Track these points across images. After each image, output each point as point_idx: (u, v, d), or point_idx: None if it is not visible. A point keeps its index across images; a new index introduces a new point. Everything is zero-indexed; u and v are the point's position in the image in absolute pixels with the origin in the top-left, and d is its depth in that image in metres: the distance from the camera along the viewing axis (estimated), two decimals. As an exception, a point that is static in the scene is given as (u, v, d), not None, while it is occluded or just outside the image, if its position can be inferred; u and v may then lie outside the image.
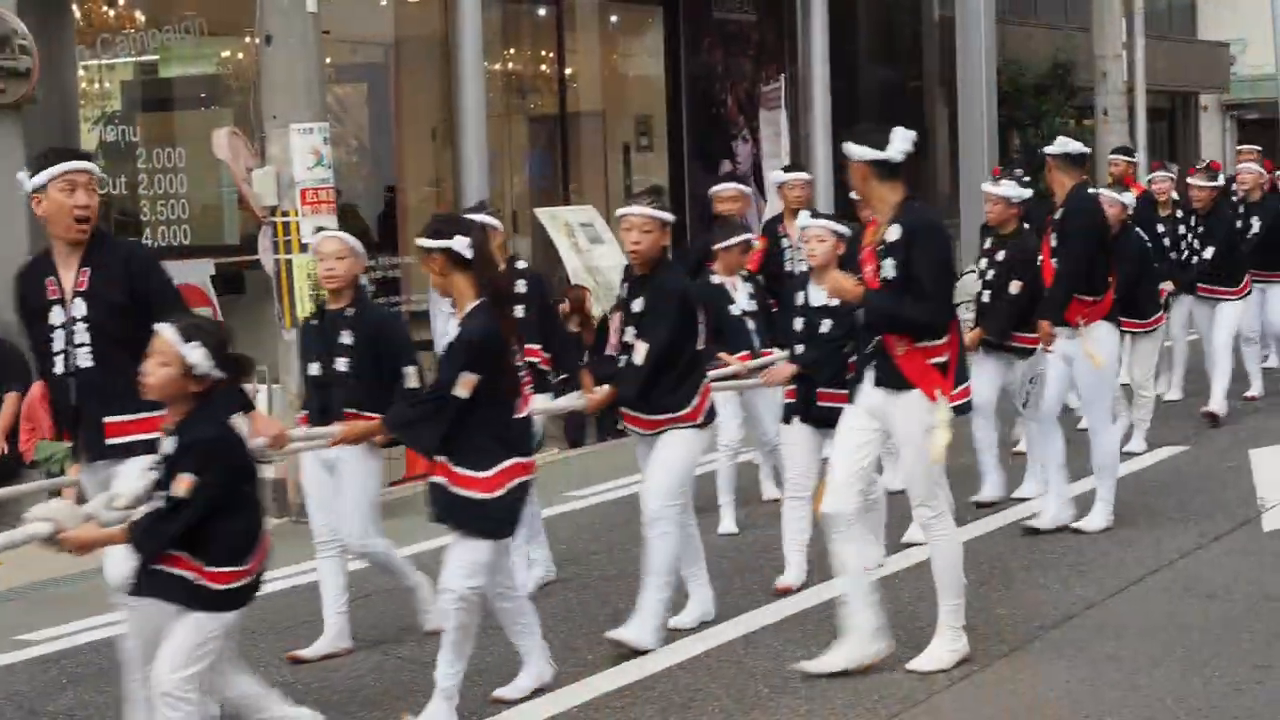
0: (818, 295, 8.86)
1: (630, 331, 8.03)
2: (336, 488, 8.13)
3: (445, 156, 18.08)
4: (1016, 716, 6.95)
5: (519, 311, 8.73)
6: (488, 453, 6.81)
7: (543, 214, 18.49)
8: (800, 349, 8.97)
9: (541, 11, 21.06)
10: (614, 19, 22.60)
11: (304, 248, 11.77)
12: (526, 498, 7.14)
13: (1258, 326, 14.90)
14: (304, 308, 11.56)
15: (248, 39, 15.27)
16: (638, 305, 8.01)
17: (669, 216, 8.03)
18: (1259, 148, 17.19)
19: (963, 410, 9.18)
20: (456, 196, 16.54)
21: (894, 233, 7.25)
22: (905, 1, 25.71)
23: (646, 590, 7.91)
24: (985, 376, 10.71)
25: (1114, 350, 10.16)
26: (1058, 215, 10.09)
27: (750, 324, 10.23)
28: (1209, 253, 13.85)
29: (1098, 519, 10.08)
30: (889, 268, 7.25)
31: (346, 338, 8.05)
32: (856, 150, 7.35)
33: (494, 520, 6.88)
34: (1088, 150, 10.38)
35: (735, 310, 10.20)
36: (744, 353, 10.06)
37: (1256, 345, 15.08)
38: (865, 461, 7.54)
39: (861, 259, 7.47)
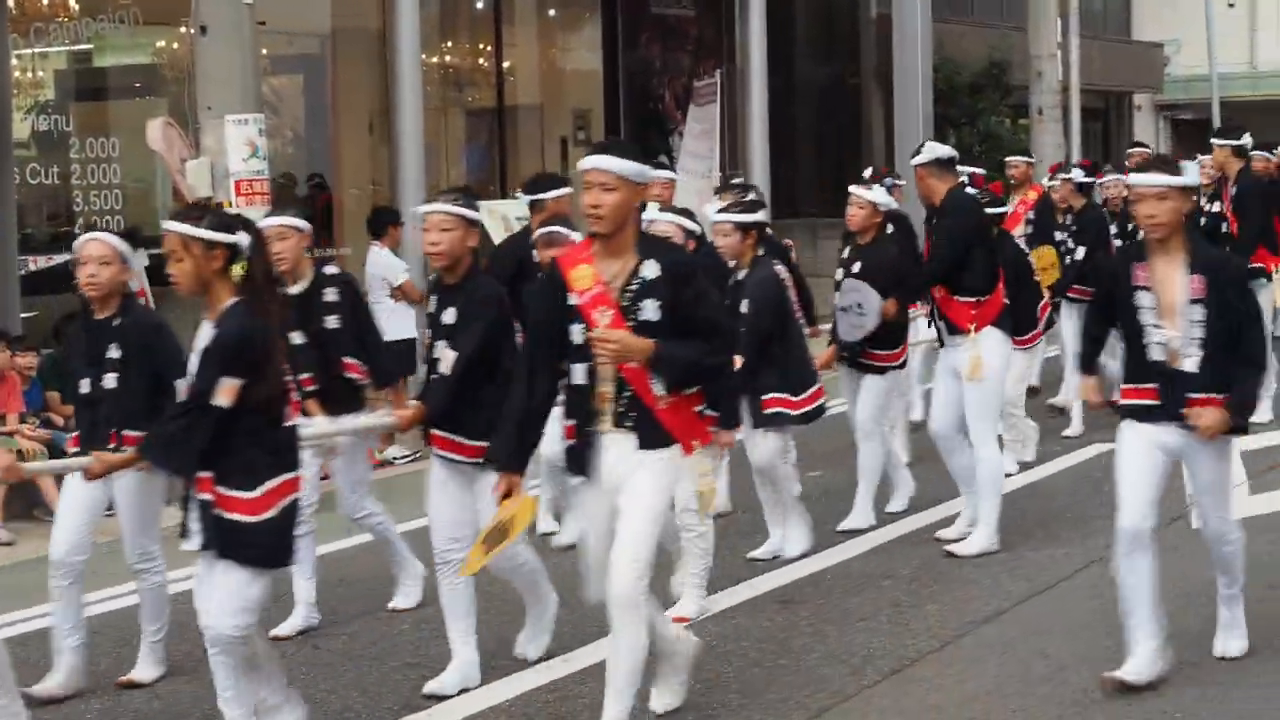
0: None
1: (441, 345, 7.30)
2: (116, 506, 7.62)
3: (381, 149, 18.03)
4: (946, 712, 6.98)
5: (332, 322, 8.27)
6: (255, 470, 6.02)
7: (480, 207, 18.44)
8: None
9: (479, 4, 21.02)
10: (552, 13, 22.58)
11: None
12: (297, 519, 6.29)
13: None
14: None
15: (183, 29, 15.20)
16: (449, 317, 7.31)
17: (474, 214, 7.39)
18: (1148, 147, 17.05)
19: (815, 415, 9.34)
20: (392, 189, 16.50)
21: (651, 269, 6.29)
22: (842, -2, 25.80)
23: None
24: (849, 395, 10.44)
25: (1002, 361, 9.74)
26: (934, 220, 9.88)
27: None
28: (1081, 253, 13.36)
29: (978, 542, 9.58)
30: (650, 309, 6.25)
31: (114, 351, 7.44)
32: (619, 165, 6.24)
33: (264, 547, 6.06)
34: (956, 154, 10.25)
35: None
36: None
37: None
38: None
39: (586, 304, 6.30)
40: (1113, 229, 13.84)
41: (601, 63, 22.08)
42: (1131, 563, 7.18)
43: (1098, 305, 7.50)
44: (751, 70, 21.12)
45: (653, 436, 6.31)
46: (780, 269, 9.40)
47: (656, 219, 8.55)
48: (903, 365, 10.62)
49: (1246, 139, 13.76)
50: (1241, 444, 12.21)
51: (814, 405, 9.26)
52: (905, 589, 8.81)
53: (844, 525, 10.18)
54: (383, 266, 13.48)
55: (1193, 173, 7.03)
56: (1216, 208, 13.72)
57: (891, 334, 10.18)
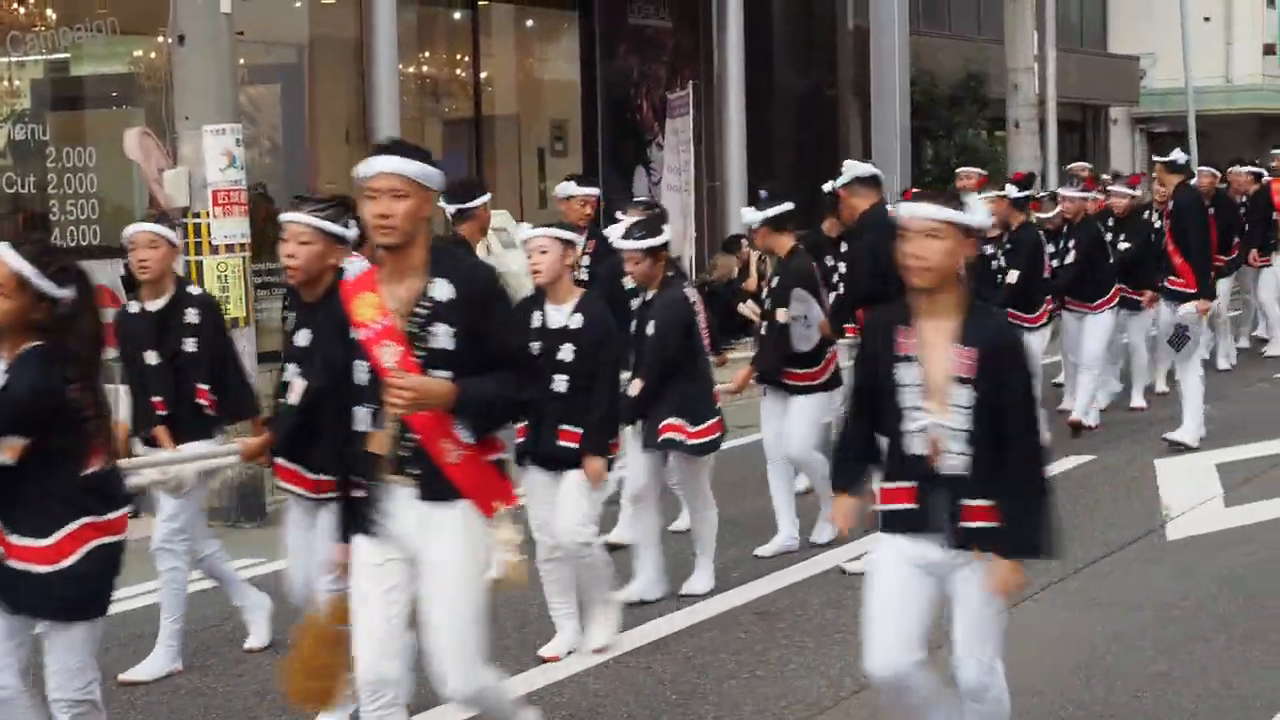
0: (557, 316, 7.82)
1: (292, 369, 6.82)
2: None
3: (359, 159, 17.91)
4: (922, 723, 6.98)
5: (190, 345, 7.87)
6: (48, 516, 5.47)
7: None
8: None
9: (457, 15, 21.02)
10: (530, 23, 22.59)
11: (214, 249, 11.74)
12: (117, 564, 5.67)
13: (1093, 355, 13.95)
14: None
15: (160, 39, 15.17)
16: (302, 339, 6.82)
17: (337, 230, 6.76)
18: (1089, 166, 16.85)
19: (710, 448, 8.85)
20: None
21: (443, 289, 5.38)
22: (820, 10, 25.83)
23: None
24: (767, 419, 10.07)
25: None
26: (853, 240, 9.71)
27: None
28: (1013, 277, 12.68)
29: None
30: (443, 336, 5.35)
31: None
32: (409, 167, 5.50)
33: (66, 597, 5.49)
34: (879, 173, 9.97)
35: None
36: None
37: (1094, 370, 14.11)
38: (397, 613, 5.49)
39: (369, 339, 5.41)
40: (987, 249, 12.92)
41: (579, 73, 22.09)
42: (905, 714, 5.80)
43: (858, 383, 5.78)
44: (729, 81, 21.15)
45: (439, 488, 5.39)
46: (690, 292, 8.96)
47: (533, 235, 7.87)
48: (829, 385, 9.89)
49: (1177, 154, 13.60)
50: (1216, 457, 12.39)
51: (710, 438, 8.79)
52: (881, 601, 8.80)
53: (766, 550, 9.90)
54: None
55: (978, 211, 5.47)
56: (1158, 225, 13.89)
57: (812, 351, 9.76)
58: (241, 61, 13.95)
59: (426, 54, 20.79)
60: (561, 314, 7.79)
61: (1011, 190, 13.00)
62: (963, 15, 29.75)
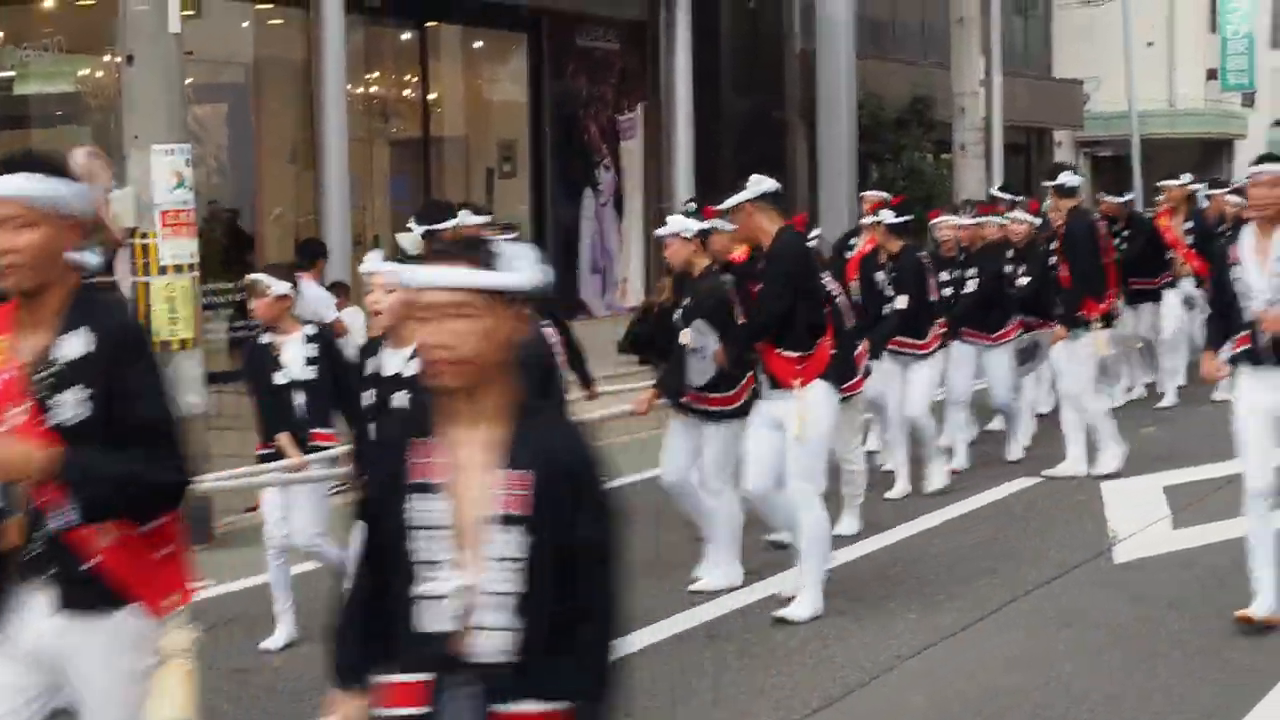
0: (393, 362, 7.24)
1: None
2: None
3: (305, 179, 17.96)
4: (875, 746, 6.99)
5: None
6: None
7: (404, 239, 18.38)
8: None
9: (405, 36, 20.99)
10: (478, 44, 22.58)
11: (163, 270, 11.66)
12: None
13: (964, 390, 13.40)
14: (162, 331, 11.46)
15: (107, 58, 15.10)
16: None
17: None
18: (1011, 198, 14.97)
19: None
20: (317, 219, 16.45)
21: (75, 344, 4.21)
22: (767, 33, 25.89)
23: None
24: (676, 447, 9.70)
25: (831, 417, 9.03)
26: (761, 265, 9.16)
27: (301, 398, 8.44)
28: (901, 302, 12.07)
29: (804, 607, 8.85)
30: (69, 404, 4.16)
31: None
32: (35, 189, 4.26)
33: None
34: (780, 186, 9.42)
35: (281, 379, 8.45)
36: (284, 433, 8.46)
37: (963, 411, 13.57)
38: None
39: None
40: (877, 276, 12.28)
41: (527, 94, 22.08)
42: None
43: (363, 528, 3.77)
44: (677, 103, 21.20)
45: (83, 594, 4.21)
46: (549, 330, 8.31)
47: (377, 270, 7.40)
48: (742, 413, 9.43)
49: (1065, 177, 13.10)
50: (1163, 479, 12.45)
51: None
52: (833, 623, 8.81)
53: (700, 586, 9.60)
54: (312, 299, 13.23)
55: (523, 265, 3.52)
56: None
57: (726, 377, 9.41)
58: (188, 81, 13.90)
59: (374, 74, 20.75)
60: (399, 359, 7.08)
61: (888, 215, 12.24)
62: (909, 39, 29.90)
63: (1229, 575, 9.55)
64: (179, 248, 11.81)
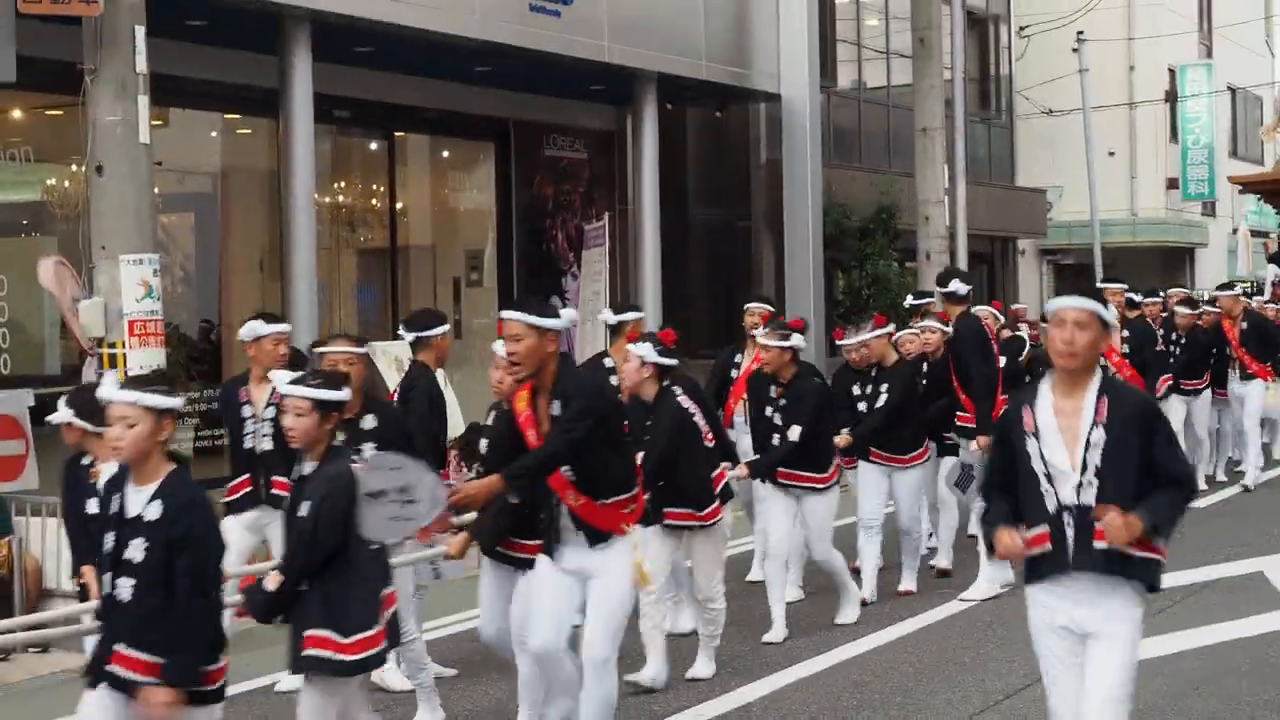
0: (135, 501, 6.28)
1: None
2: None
3: (273, 287, 17.97)
4: None
5: None
6: None
7: (372, 348, 18.40)
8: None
9: (373, 145, 21.09)
10: (445, 153, 22.69)
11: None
12: None
13: (874, 514, 12.46)
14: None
15: (74, 167, 15.12)
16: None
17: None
18: (936, 322, 13.18)
19: (359, 666, 6.84)
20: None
21: None
22: (734, 142, 26.09)
23: None
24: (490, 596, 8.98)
25: (666, 563, 9.04)
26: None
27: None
28: (794, 434, 10.95)
29: None
30: None
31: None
32: None
33: None
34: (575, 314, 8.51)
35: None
36: None
37: (876, 537, 12.54)
38: None
39: None
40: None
41: (494, 203, 22.18)
42: None
43: None
44: (644, 212, 21.31)
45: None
46: (351, 468, 7.27)
47: (290, 391, 6.95)
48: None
49: (955, 285, 12.86)
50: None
51: (368, 653, 6.83)
52: (803, 734, 8.75)
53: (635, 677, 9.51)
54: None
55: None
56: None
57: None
58: (156, 190, 13.93)
59: (342, 183, 20.83)
60: (141, 499, 6.25)
61: (797, 340, 11.03)
62: (874, 148, 30.13)
63: (1202, 682, 9.55)
64: (147, 358, 11.79)
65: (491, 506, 7.96)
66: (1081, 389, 6.20)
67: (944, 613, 11.90)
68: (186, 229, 19.15)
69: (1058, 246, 39.00)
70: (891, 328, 12.59)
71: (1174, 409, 16.97)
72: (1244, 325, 18.21)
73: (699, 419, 9.80)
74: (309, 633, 6.72)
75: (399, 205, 21.13)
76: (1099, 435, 6.12)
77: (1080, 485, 6.13)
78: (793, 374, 10.99)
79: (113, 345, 11.73)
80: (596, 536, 7.73)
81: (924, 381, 12.91)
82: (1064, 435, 6.18)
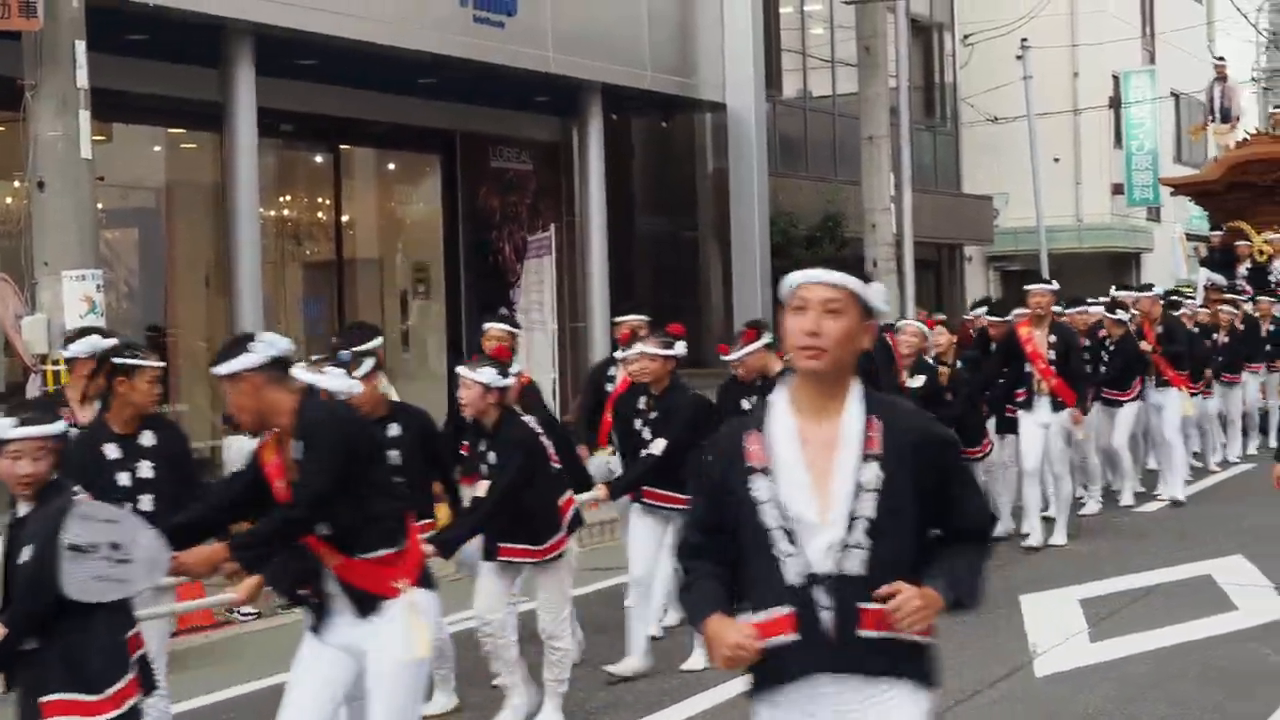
0: None
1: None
2: None
3: (219, 302, 17.89)
4: None
5: None
6: None
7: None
8: None
9: (318, 158, 21.03)
10: (391, 166, 22.65)
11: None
12: None
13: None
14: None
15: (16, 183, 15.01)
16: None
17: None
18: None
19: None
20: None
21: None
22: (680, 152, 26.10)
23: None
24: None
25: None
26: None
27: None
28: (658, 446, 10.02)
29: None
30: None
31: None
32: None
33: None
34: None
35: None
36: None
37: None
38: None
39: None
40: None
41: (441, 216, 22.14)
42: None
43: None
44: (591, 223, 21.31)
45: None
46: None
47: None
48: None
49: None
50: (1079, 592, 12.48)
51: (124, 707, 6.03)
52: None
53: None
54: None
55: None
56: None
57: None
58: (99, 206, 13.85)
59: (287, 197, 20.76)
60: None
61: (680, 349, 10.30)
62: (820, 157, 30.19)
63: (1149, 687, 9.59)
64: (90, 373, 11.70)
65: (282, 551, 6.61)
66: (837, 405, 4.33)
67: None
68: (130, 244, 19.06)
69: (1004, 253, 39.13)
70: (767, 339, 11.22)
71: (1097, 422, 16.51)
72: (1159, 330, 17.29)
73: (544, 439, 8.99)
74: (47, 699, 5.86)
75: (345, 218, 21.08)
76: (871, 473, 4.28)
77: (839, 546, 4.28)
78: (666, 386, 10.09)
79: (56, 362, 11.64)
80: (365, 603, 6.34)
81: None
82: (812, 472, 4.30)
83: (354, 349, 9.28)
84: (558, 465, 9.09)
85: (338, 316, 20.32)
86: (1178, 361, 17.33)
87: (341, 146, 20.96)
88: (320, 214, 20.98)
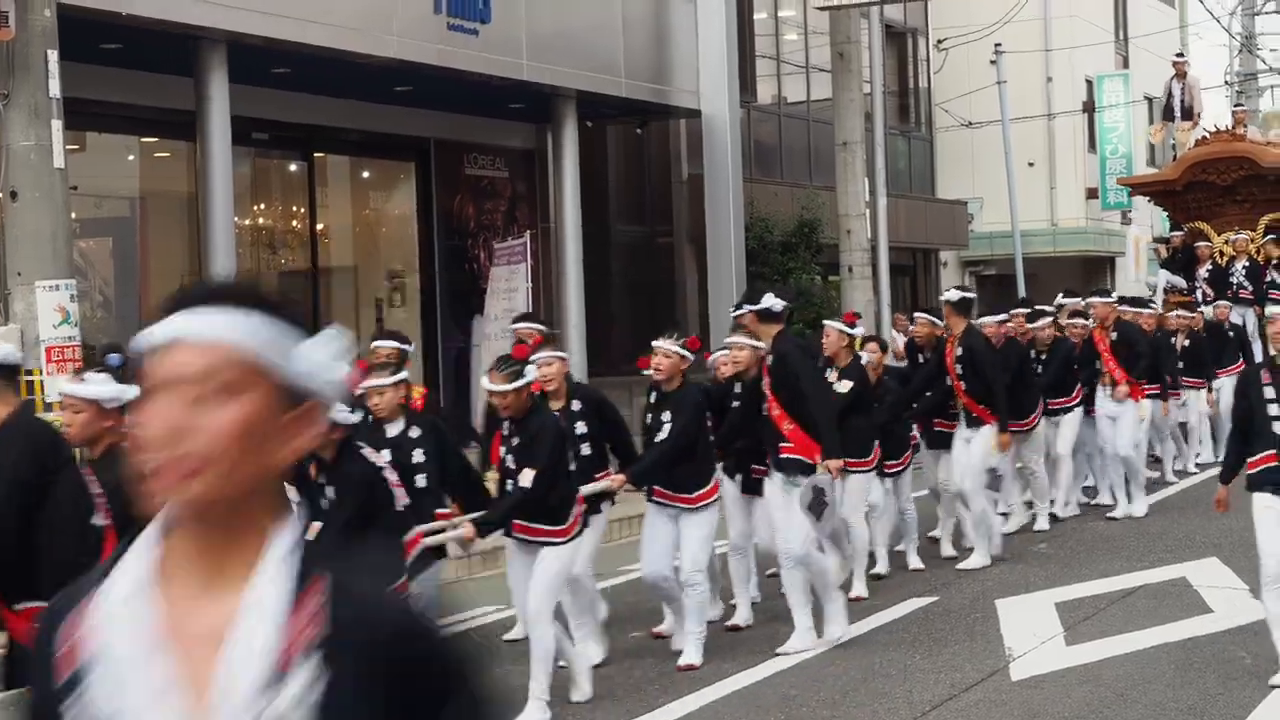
0: None
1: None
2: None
3: (194, 312, 17.81)
4: None
5: None
6: None
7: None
8: None
9: (292, 166, 21.01)
10: (366, 174, 22.63)
11: (48, 407, 11.51)
12: None
13: (656, 572, 10.95)
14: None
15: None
16: None
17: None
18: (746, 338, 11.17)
19: None
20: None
21: None
22: (655, 159, 26.13)
23: None
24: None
25: None
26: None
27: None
28: (526, 478, 9.28)
29: None
30: None
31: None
32: None
33: None
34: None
35: None
36: None
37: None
38: None
39: None
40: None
41: (416, 224, 22.13)
42: None
43: None
44: (566, 230, 21.30)
45: None
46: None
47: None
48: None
49: (769, 300, 10.92)
50: (1055, 596, 12.51)
51: None
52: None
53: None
54: None
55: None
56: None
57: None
58: (73, 215, 13.82)
59: (262, 205, 20.74)
60: None
61: (531, 374, 9.66)
62: (795, 163, 30.24)
63: (1125, 690, 9.61)
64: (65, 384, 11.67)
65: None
66: (238, 565, 2.31)
67: (866, 626, 11.92)
68: (105, 253, 19.02)
69: (980, 258, 39.21)
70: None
71: (1036, 440, 15.72)
72: (1114, 335, 16.75)
73: (390, 476, 8.38)
74: None
75: (320, 226, 21.06)
76: (292, 693, 2.21)
77: None
78: (527, 409, 9.40)
79: (30, 372, 11.61)
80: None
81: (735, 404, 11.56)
82: (184, 677, 2.25)
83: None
84: (404, 505, 8.55)
85: (313, 324, 20.20)
86: (1133, 366, 16.64)
87: (316, 154, 20.95)
88: (295, 222, 20.96)
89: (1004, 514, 15.50)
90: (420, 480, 9.47)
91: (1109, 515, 16.61)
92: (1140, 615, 11.73)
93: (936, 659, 10.74)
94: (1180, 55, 28.62)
